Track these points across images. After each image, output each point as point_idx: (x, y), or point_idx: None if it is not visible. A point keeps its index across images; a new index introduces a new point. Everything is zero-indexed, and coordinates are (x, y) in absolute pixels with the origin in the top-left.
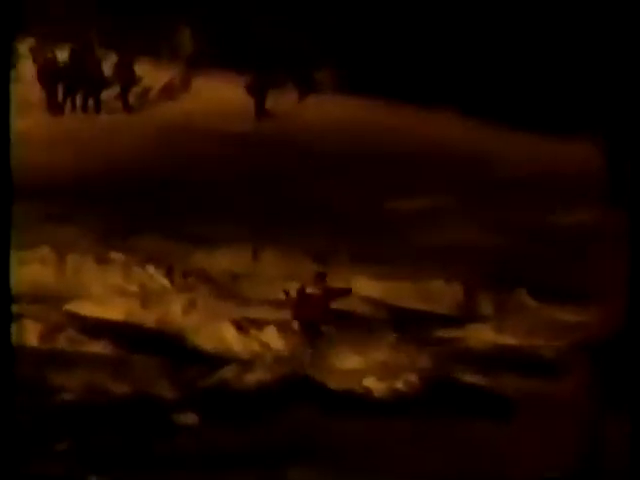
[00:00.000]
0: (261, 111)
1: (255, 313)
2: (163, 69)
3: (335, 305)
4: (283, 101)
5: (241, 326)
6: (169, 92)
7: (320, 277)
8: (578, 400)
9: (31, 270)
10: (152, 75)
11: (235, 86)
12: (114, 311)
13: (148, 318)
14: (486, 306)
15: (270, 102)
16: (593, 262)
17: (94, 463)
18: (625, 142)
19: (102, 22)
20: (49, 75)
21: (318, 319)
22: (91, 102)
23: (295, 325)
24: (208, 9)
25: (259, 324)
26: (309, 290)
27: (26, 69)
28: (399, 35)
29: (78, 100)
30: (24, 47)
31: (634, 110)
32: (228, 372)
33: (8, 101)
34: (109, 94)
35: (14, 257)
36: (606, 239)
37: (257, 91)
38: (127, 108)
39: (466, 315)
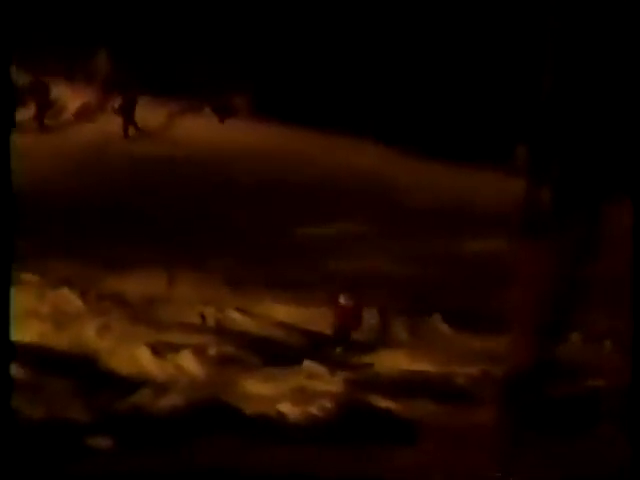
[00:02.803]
0: (126, 131)
1: (170, 337)
2: (79, 91)
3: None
4: (200, 126)
5: (156, 350)
6: (85, 114)
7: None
8: (489, 429)
9: None
10: (68, 96)
11: (151, 109)
12: (27, 333)
13: (61, 340)
14: (400, 332)
15: (188, 126)
16: (507, 292)
17: None
18: (544, 172)
19: (18, 42)
20: None
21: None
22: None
23: (211, 350)
24: (126, 33)
25: (174, 348)
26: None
27: None
28: (316, 62)
29: None
30: None
31: (555, 141)
32: (143, 396)
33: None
34: (25, 114)
35: None
36: (520, 269)
37: (125, 111)
38: (43, 128)
39: (380, 341)
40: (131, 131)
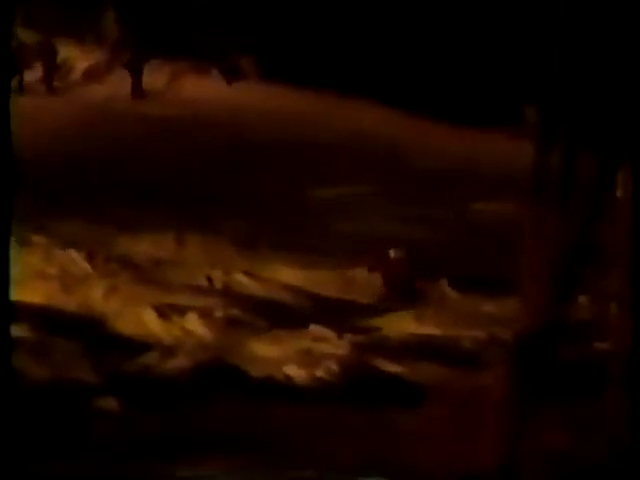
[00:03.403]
0: (137, 89)
1: (177, 299)
2: (88, 52)
3: None
4: (207, 87)
5: (163, 312)
6: (93, 75)
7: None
8: (498, 393)
9: None
10: (77, 58)
11: (159, 71)
12: (34, 294)
13: (69, 302)
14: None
15: (196, 87)
16: (515, 255)
17: (11, 447)
18: (553, 134)
19: (26, 2)
20: None
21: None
22: (14, 83)
23: (218, 312)
24: None
25: (181, 310)
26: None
27: None
28: (322, 24)
29: None
30: None
31: (564, 102)
32: (149, 358)
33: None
34: (32, 76)
35: None
36: (529, 232)
37: (134, 69)
38: (51, 90)
39: (387, 304)
40: (138, 92)
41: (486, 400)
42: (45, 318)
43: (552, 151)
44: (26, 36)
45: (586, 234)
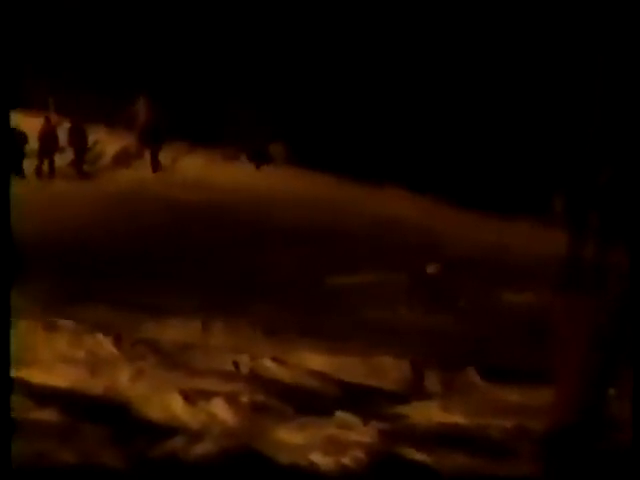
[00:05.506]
0: (155, 162)
1: (203, 384)
2: (118, 136)
3: None
4: (235, 172)
5: (189, 397)
6: (123, 159)
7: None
8: None
9: None
10: (106, 142)
11: (189, 156)
12: (61, 378)
13: (95, 386)
14: (434, 384)
15: (224, 173)
16: (544, 345)
17: None
18: (584, 224)
19: (57, 87)
20: None
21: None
22: (45, 167)
23: (244, 397)
24: (165, 81)
25: (207, 395)
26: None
27: None
28: (351, 111)
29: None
30: None
31: (596, 191)
32: (175, 443)
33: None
34: (63, 160)
35: None
36: (562, 323)
37: (151, 143)
38: (81, 174)
39: (413, 392)
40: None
41: None
42: (72, 402)
43: (584, 241)
44: (57, 121)
45: (619, 324)
